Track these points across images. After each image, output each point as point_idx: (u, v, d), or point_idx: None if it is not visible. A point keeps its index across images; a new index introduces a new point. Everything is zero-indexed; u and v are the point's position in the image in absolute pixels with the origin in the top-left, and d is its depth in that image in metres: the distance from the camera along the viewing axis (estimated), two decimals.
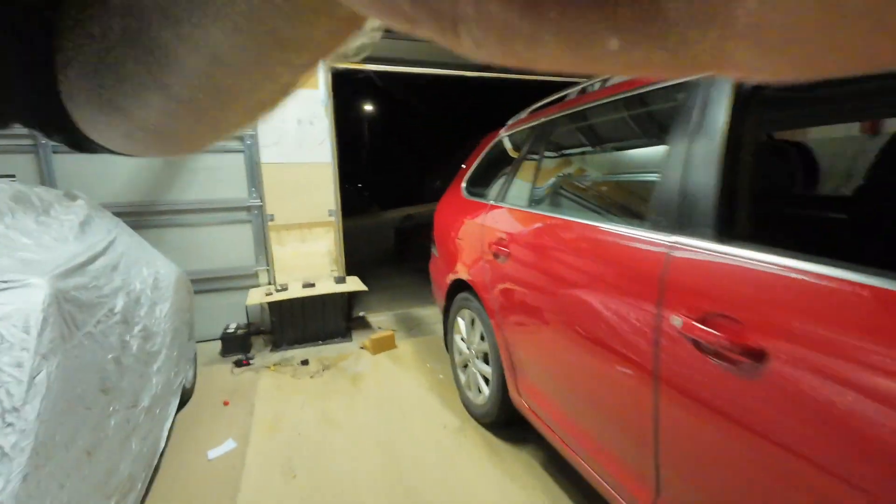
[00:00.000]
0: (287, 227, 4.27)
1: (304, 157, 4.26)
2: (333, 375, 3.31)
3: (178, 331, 2.69)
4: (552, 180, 2.23)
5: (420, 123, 13.67)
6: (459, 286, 2.80)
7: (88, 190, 3.68)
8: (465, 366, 2.81)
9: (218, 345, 3.81)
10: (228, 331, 3.79)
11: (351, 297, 4.08)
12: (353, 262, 4.96)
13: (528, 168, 2.34)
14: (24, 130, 3.57)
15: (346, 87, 4.43)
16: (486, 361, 2.49)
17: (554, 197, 2.12)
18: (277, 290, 3.91)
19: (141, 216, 3.84)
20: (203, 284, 4.03)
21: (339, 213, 4.47)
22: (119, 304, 1.88)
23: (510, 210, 2.27)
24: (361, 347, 3.85)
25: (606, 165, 2.13)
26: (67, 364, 1.30)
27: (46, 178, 3.53)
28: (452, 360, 2.97)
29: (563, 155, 2.32)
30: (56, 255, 1.55)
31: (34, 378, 1.13)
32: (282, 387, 3.13)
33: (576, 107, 2.00)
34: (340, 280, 4.21)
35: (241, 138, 4.02)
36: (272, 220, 4.19)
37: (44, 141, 3.48)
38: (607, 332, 1.40)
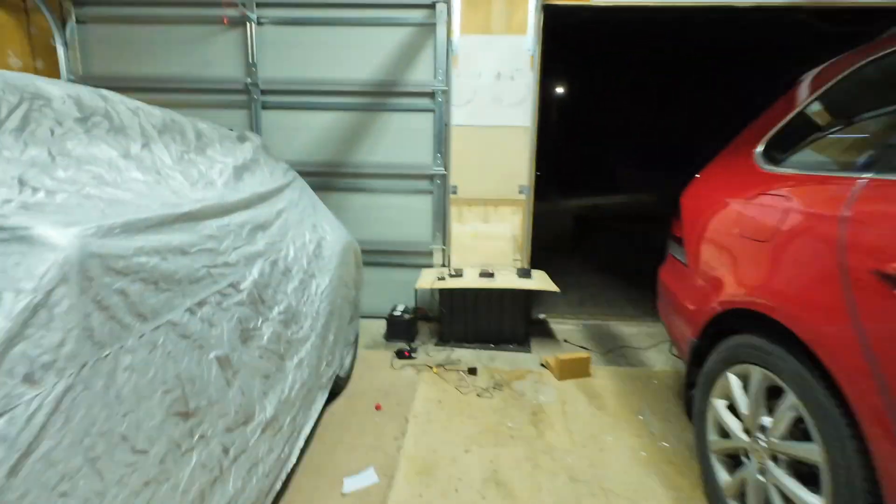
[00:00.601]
0: (469, 203, 3.61)
1: (497, 119, 3.50)
2: (507, 401, 2.51)
3: (338, 311, 2.22)
4: None
5: (628, 93, 11.32)
6: (735, 320, 1.63)
7: (285, 145, 3.64)
8: (735, 458, 1.65)
9: (382, 325, 3.42)
10: (395, 313, 3.34)
11: (530, 294, 3.25)
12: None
13: None
14: (241, 87, 3.70)
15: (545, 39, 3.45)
16: (803, 479, 1.31)
17: None
18: (451, 276, 3.29)
19: (328, 177, 3.65)
20: (374, 256, 3.69)
21: (532, 190, 3.60)
22: (251, 276, 1.37)
23: None
24: (543, 365, 2.96)
25: None
26: (98, 388, 0.74)
27: (254, 130, 3.56)
28: (701, 436, 1.83)
29: None
30: (154, 200, 1.05)
31: None
32: (443, 401, 2.47)
33: None
34: (524, 273, 3.37)
35: (432, 94, 3.47)
36: (454, 192, 3.58)
37: (255, 97, 3.51)
38: None
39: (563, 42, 4.67)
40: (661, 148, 10.94)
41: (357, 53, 3.46)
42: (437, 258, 3.70)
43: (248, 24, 3.41)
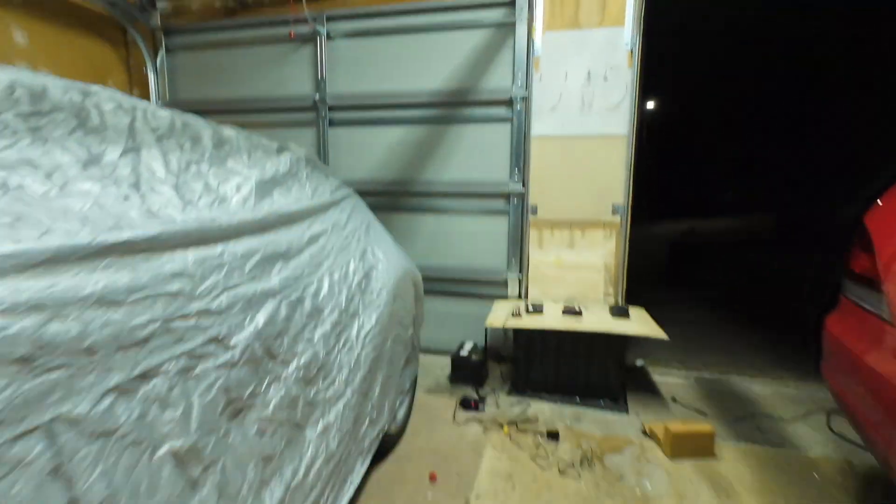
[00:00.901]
0: (552, 225, 3.09)
1: (587, 127, 2.97)
2: (599, 485, 1.92)
3: (389, 356, 1.84)
4: None
5: (731, 98, 9.15)
6: None
7: (353, 163, 3.43)
8: None
9: (446, 363, 2.97)
10: (462, 353, 2.89)
11: (626, 338, 2.60)
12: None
13: None
14: (309, 104, 3.59)
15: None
16: None
17: None
18: (529, 311, 2.77)
19: (395, 197, 3.36)
20: (441, 285, 3.30)
21: (629, 211, 2.99)
22: (252, 325, 1.02)
23: None
24: (646, 433, 2.31)
25: None
26: None
27: (321, 148, 3.41)
28: None
29: None
30: (97, 222, 0.73)
31: None
32: (515, 478, 1.95)
33: None
34: (620, 312, 2.74)
35: (509, 102, 3.05)
36: (534, 213, 3.09)
37: (323, 114, 3.36)
38: None
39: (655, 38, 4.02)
40: (776, 162, 9.19)
41: (428, 62, 3.17)
42: (513, 288, 3.21)
43: (317, 39, 3.29)
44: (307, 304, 1.30)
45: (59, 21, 3.16)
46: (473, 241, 3.27)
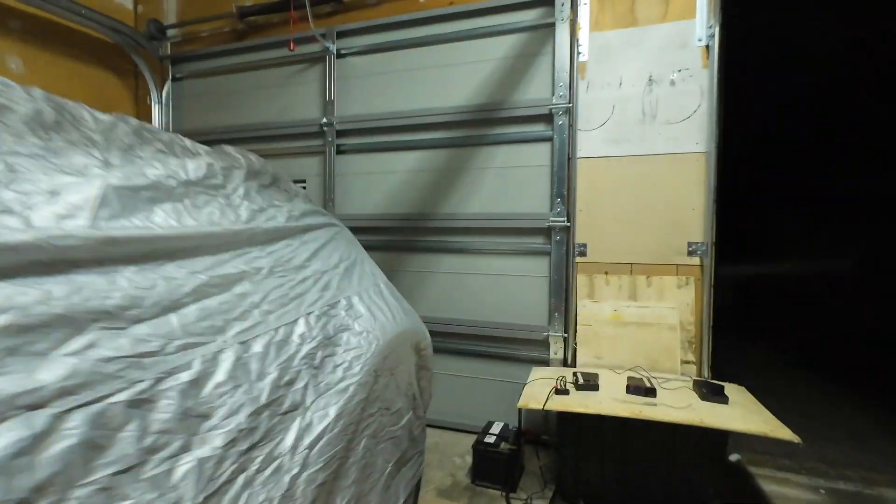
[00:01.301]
0: (607, 270, 2.40)
1: (651, 145, 2.33)
2: None
3: (359, 464, 1.18)
4: None
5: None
6: None
7: (363, 195, 2.92)
8: None
9: (468, 447, 2.23)
10: (488, 440, 2.16)
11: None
12: None
13: None
14: (316, 128, 3.17)
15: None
16: None
17: None
18: (578, 385, 2.03)
19: (410, 234, 2.80)
20: (463, 343, 2.64)
21: (713, 250, 2.25)
22: None
23: None
24: None
25: None
26: None
27: (326, 178, 2.94)
28: None
29: None
30: None
31: None
32: None
33: None
34: (712, 391, 1.93)
35: (549, 116, 2.47)
36: (582, 253, 2.42)
37: (330, 138, 2.92)
38: None
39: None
40: (843, 190, 5.97)
41: (451, 76, 2.68)
42: (557, 350, 2.48)
43: (327, 58, 2.91)
44: (162, 410, 0.69)
45: (58, 49, 2.97)
46: (505, 287, 2.61)
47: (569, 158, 2.44)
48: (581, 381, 2.05)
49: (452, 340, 2.68)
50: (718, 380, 2.15)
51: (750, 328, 5.03)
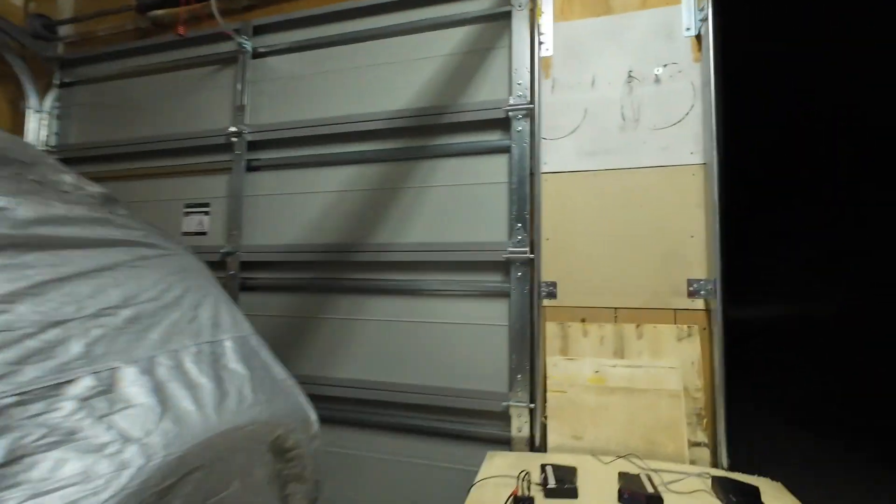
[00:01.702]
0: (584, 316, 1.82)
1: (634, 155, 1.83)
2: None
3: None
4: None
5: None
6: None
7: (277, 221, 2.30)
8: None
9: None
10: None
11: None
12: None
13: None
14: (223, 140, 2.59)
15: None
16: None
17: None
18: (547, 491, 1.38)
19: (337, 271, 2.18)
20: (399, 414, 1.98)
21: (720, 289, 1.69)
22: None
23: None
24: None
25: None
26: None
27: (233, 201, 2.33)
28: None
29: None
30: None
31: None
32: None
33: None
34: (738, 494, 1.31)
35: (506, 122, 1.96)
36: (551, 295, 1.84)
37: (238, 151, 2.34)
38: None
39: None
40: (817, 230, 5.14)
41: (388, 77, 2.18)
42: (521, 425, 1.83)
43: (240, 58, 2.39)
44: None
45: None
46: (455, 339, 1.98)
47: (531, 174, 1.91)
48: (552, 481, 1.40)
49: (386, 412, 2.01)
50: (738, 467, 1.56)
51: (770, 388, 4.16)
